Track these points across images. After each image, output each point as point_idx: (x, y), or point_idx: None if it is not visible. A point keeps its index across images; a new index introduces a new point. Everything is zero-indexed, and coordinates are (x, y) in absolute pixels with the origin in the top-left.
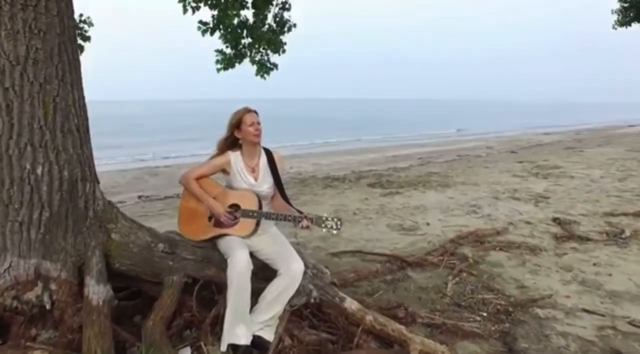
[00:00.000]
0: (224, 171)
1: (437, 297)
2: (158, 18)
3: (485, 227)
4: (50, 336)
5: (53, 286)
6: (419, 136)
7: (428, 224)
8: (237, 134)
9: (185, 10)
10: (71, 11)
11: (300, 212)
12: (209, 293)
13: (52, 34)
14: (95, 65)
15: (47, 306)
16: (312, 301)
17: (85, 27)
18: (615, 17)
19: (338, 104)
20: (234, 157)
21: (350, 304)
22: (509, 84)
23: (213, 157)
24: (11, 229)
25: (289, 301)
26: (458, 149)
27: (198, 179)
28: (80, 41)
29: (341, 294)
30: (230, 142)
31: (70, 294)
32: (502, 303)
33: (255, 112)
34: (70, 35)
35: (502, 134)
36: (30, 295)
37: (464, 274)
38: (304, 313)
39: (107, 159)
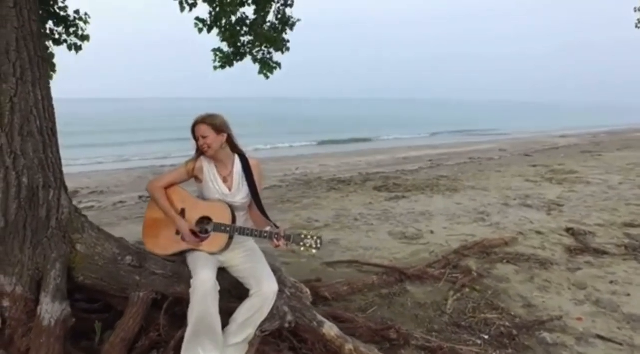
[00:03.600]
0: (197, 178)
1: (435, 315)
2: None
3: (493, 236)
4: None
5: (6, 302)
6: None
7: (432, 232)
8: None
9: (182, 9)
10: (33, 3)
11: (277, 227)
12: (180, 310)
13: (8, 27)
14: (107, 63)
15: None
16: (287, 325)
17: (82, 24)
18: (638, 15)
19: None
20: (207, 164)
21: (330, 329)
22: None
23: (187, 162)
24: None
25: (260, 326)
26: (470, 152)
27: (167, 187)
28: (76, 40)
29: (320, 317)
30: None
31: (25, 311)
32: (507, 324)
33: (205, 122)
34: (31, 29)
35: (517, 137)
36: None
37: (467, 290)
38: (284, 333)
39: (114, 158)
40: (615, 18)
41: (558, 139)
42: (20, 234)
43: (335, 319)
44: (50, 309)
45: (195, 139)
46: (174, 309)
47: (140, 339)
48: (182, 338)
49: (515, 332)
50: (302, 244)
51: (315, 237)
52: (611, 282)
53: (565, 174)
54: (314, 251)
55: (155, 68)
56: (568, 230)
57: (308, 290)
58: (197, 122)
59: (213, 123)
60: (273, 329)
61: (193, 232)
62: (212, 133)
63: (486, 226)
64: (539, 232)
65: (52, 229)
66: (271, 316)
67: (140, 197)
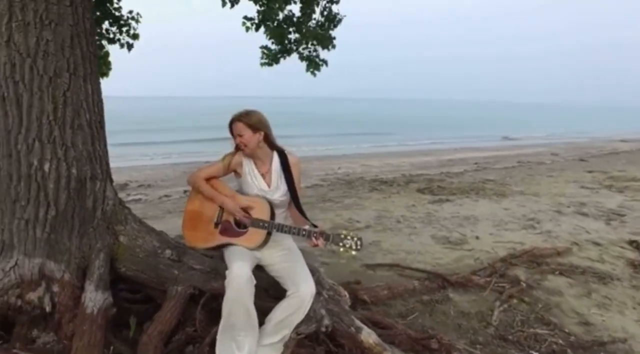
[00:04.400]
0: (236, 172)
1: (480, 326)
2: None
3: (544, 245)
4: (50, 340)
5: (55, 288)
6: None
7: (477, 238)
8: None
9: (224, 3)
10: (87, 1)
11: (315, 226)
12: (217, 306)
13: (64, 25)
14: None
15: (48, 309)
16: (323, 329)
17: (134, 24)
18: None
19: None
20: (246, 159)
21: (368, 336)
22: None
23: (227, 156)
24: (18, 227)
25: (296, 328)
26: (518, 155)
27: (208, 179)
28: (128, 39)
29: (358, 323)
30: None
31: (72, 297)
32: (560, 342)
33: (241, 120)
34: (85, 27)
35: (570, 140)
36: (33, 296)
37: (515, 301)
38: (320, 336)
39: (162, 154)
40: None
41: (618, 144)
42: (68, 223)
43: (374, 324)
44: (94, 298)
45: (233, 136)
46: (211, 305)
47: (177, 334)
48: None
49: (570, 351)
50: (341, 244)
51: (355, 238)
52: None
53: (627, 182)
54: (353, 252)
55: (204, 67)
56: (631, 243)
57: (347, 293)
58: (233, 119)
59: (249, 121)
60: (309, 332)
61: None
62: (248, 131)
63: (536, 233)
64: (596, 244)
65: (98, 219)
66: (307, 318)
67: (184, 191)
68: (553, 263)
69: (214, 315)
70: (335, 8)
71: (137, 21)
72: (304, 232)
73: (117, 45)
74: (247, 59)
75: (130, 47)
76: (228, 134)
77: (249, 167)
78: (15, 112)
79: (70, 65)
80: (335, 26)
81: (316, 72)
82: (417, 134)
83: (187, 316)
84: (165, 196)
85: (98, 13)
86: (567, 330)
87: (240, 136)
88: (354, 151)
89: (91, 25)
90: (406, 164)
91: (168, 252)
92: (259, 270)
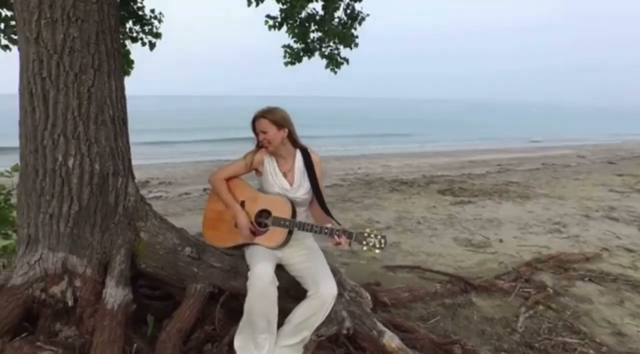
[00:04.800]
0: (257, 171)
1: (504, 332)
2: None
3: (572, 250)
4: (72, 334)
5: (77, 283)
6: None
7: (501, 241)
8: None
9: (249, 3)
10: None
11: (339, 224)
12: (236, 305)
13: (90, 22)
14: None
15: (70, 303)
16: (344, 331)
17: (156, 23)
18: None
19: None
20: (268, 157)
21: (390, 340)
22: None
23: (247, 154)
24: (42, 221)
25: (316, 330)
26: (543, 157)
27: (228, 179)
28: (150, 38)
29: (380, 326)
30: None
31: (93, 292)
32: (591, 352)
33: (265, 117)
34: (110, 23)
35: (598, 142)
36: (56, 289)
37: (541, 307)
38: (341, 338)
39: (183, 152)
40: None
41: None
42: (91, 218)
43: (395, 327)
44: (114, 294)
45: (255, 133)
46: (230, 303)
47: (196, 332)
48: None
49: None
50: (364, 242)
51: (379, 236)
52: None
53: None
54: (377, 250)
55: (231, 67)
56: None
57: (369, 295)
58: (256, 116)
59: (273, 118)
60: (330, 334)
61: (251, 230)
62: (273, 128)
63: (563, 238)
64: (628, 250)
65: (119, 215)
66: (328, 320)
67: (204, 189)
68: (581, 269)
69: (233, 314)
70: (357, 6)
71: (159, 20)
72: (326, 231)
73: (138, 44)
74: (266, 59)
75: (152, 45)
76: (236, 133)
77: (270, 166)
78: (42, 108)
79: (95, 62)
80: (359, 24)
81: (336, 69)
82: (438, 135)
83: (206, 315)
84: (185, 193)
85: (122, 12)
86: (598, 340)
87: (264, 132)
88: (373, 151)
89: (116, 22)
90: (426, 164)
91: (188, 249)
92: (279, 269)
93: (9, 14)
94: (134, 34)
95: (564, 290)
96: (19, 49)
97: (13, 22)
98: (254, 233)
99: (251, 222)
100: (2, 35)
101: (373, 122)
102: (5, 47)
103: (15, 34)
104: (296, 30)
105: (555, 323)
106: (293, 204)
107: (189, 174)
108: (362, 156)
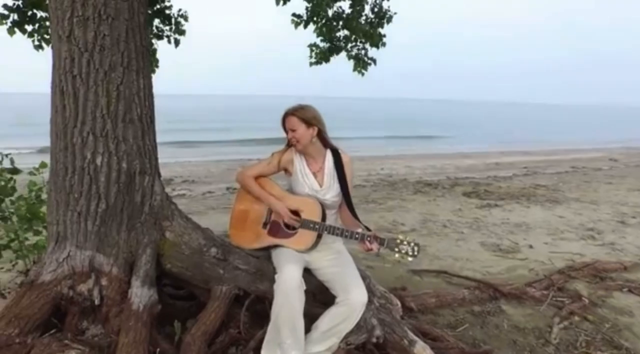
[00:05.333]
0: (286, 170)
1: (537, 343)
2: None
3: (608, 259)
4: (98, 332)
5: (104, 281)
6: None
7: (531, 247)
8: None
9: (277, 2)
10: None
11: (368, 230)
12: (262, 308)
13: (120, 20)
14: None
15: (97, 301)
16: (374, 340)
17: (182, 21)
18: None
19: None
20: (298, 157)
21: (422, 350)
22: None
23: (276, 153)
24: (71, 219)
25: (345, 337)
26: (572, 160)
27: (257, 177)
28: (176, 35)
29: (412, 335)
30: None
31: (119, 292)
32: None
33: (295, 114)
34: (139, 21)
35: (631, 145)
36: (83, 287)
37: (576, 318)
38: (368, 346)
39: (204, 151)
40: None
41: None
42: (117, 217)
43: (423, 334)
44: (140, 294)
45: (285, 131)
46: (255, 306)
47: (221, 335)
48: (262, 338)
49: None
50: (396, 249)
51: (412, 244)
52: None
53: None
54: (409, 258)
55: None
56: None
57: (399, 302)
58: (286, 113)
59: (303, 116)
60: (359, 342)
61: (280, 232)
62: (302, 126)
63: (597, 245)
64: None
65: (145, 214)
66: (357, 328)
67: (227, 188)
68: (619, 279)
69: (258, 317)
70: (385, 4)
71: (185, 19)
72: (356, 236)
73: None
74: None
75: (177, 43)
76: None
77: (300, 165)
78: (72, 105)
79: (124, 59)
80: (387, 23)
81: (364, 71)
82: (464, 137)
83: (231, 317)
84: (209, 192)
85: (149, 12)
86: None
87: (293, 130)
88: (396, 152)
89: (145, 19)
90: (450, 166)
91: (214, 250)
92: (306, 273)
93: (43, 14)
94: (159, 33)
95: (601, 301)
96: (52, 48)
97: (47, 23)
98: (283, 235)
99: (281, 224)
100: (36, 35)
101: (396, 123)
102: (38, 47)
103: (48, 34)
104: (323, 29)
105: (594, 336)
106: (323, 207)
107: (211, 172)
108: (385, 157)
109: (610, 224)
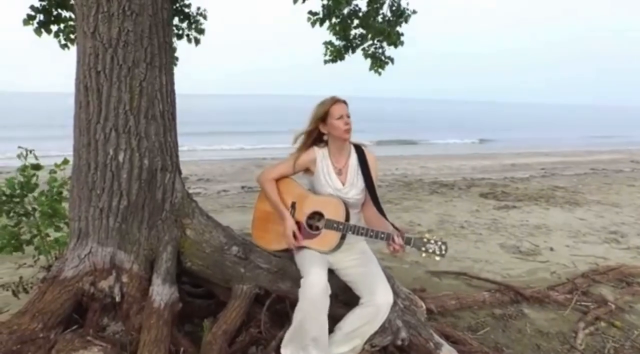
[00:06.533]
0: (308, 170)
1: (562, 349)
2: None
3: (634, 263)
4: (119, 329)
5: (124, 278)
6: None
7: (552, 249)
8: (323, 129)
9: (295, 0)
10: None
11: (396, 228)
12: (282, 308)
13: (144, 15)
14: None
15: (117, 298)
16: (399, 342)
17: (202, 19)
18: None
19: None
20: (321, 155)
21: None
22: None
23: (296, 152)
24: (93, 215)
25: (370, 339)
26: (591, 162)
27: (278, 179)
28: (195, 34)
29: (437, 338)
30: (315, 138)
31: (140, 289)
32: None
33: (345, 102)
34: (162, 17)
35: None
36: (104, 284)
37: (602, 324)
38: (389, 348)
39: (217, 149)
40: None
41: None
42: (139, 214)
43: (445, 337)
44: (160, 292)
45: (324, 122)
46: (275, 306)
47: (241, 334)
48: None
49: None
50: (423, 249)
51: (439, 243)
52: None
53: None
54: (437, 258)
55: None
56: None
57: (423, 304)
58: (339, 100)
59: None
60: (384, 344)
61: (294, 235)
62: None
63: (622, 249)
64: None
65: (166, 211)
66: (382, 329)
67: (242, 187)
68: None
69: (279, 317)
70: (404, 2)
71: (205, 17)
72: (382, 235)
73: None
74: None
75: (197, 41)
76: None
77: (323, 164)
78: (95, 101)
79: (148, 56)
80: (405, 22)
81: (380, 70)
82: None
83: (251, 317)
84: (224, 190)
85: None
86: None
87: (348, 116)
88: (411, 152)
89: (168, 15)
90: (466, 167)
91: (235, 249)
92: (328, 273)
93: (68, 14)
94: (179, 32)
95: (628, 307)
96: (77, 44)
97: (71, 23)
98: (306, 236)
99: (304, 225)
100: (61, 34)
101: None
102: (64, 46)
103: (73, 33)
104: (338, 26)
105: (622, 342)
106: (347, 207)
107: (226, 171)
108: (400, 156)
109: (634, 228)
